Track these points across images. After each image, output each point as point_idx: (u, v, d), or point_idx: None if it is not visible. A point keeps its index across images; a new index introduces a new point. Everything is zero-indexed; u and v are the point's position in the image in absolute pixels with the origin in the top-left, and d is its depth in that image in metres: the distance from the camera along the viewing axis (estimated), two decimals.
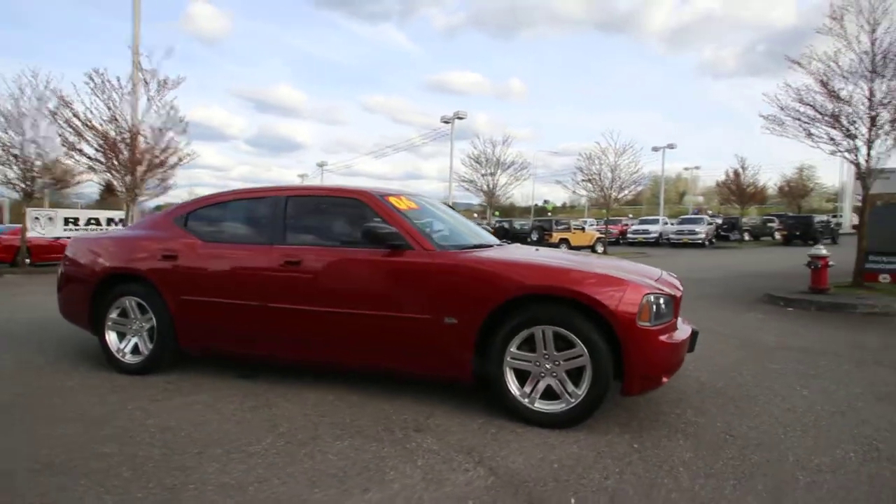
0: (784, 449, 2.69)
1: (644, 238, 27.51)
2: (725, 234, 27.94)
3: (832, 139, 8.77)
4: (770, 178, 37.73)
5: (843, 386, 3.79)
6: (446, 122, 27.26)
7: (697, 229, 25.56)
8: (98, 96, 11.55)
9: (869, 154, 8.40)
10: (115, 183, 12.40)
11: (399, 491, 2.20)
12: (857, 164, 8.64)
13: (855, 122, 8.55)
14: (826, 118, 8.70)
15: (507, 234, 20.63)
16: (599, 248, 21.22)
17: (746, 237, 29.07)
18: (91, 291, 3.91)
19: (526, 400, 2.92)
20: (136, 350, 3.84)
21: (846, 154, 8.73)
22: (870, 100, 8.22)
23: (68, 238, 15.71)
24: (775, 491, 2.27)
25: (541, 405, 2.91)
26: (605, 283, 2.84)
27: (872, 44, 8.19)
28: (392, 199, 3.49)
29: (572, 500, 2.16)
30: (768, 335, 5.53)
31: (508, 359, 2.94)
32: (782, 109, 9.07)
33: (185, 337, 3.67)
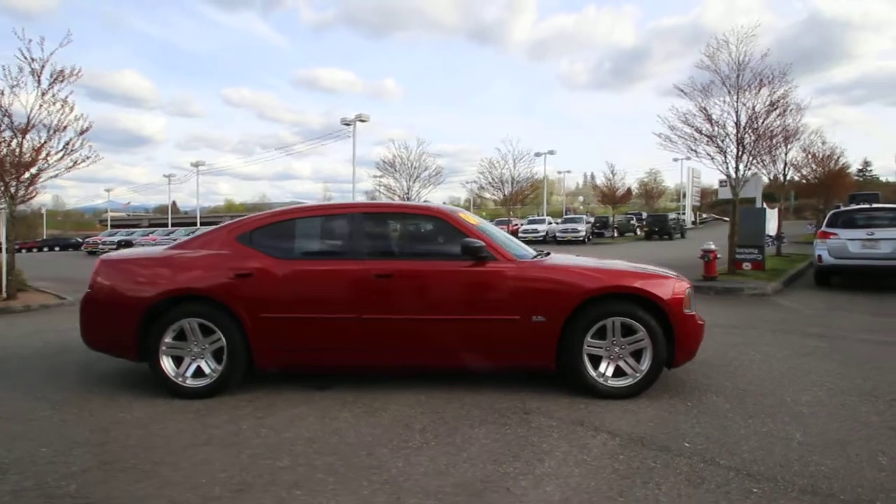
0: (780, 395, 3.73)
1: (533, 236, 30.02)
2: (600, 231, 31.76)
3: (709, 155, 10.89)
4: (627, 181, 43.39)
5: (777, 350, 5.09)
6: (347, 125, 27.10)
7: (579, 228, 28.72)
8: None
9: (737, 167, 10.59)
10: None
11: (564, 457, 2.75)
12: (728, 175, 10.82)
13: (724, 140, 10.72)
14: (704, 137, 10.77)
15: None
16: None
17: (615, 234, 33.29)
18: (140, 316, 3.75)
19: (601, 379, 3.62)
20: (198, 373, 3.79)
21: (720, 167, 10.90)
22: (737, 125, 10.38)
23: None
24: (797, 420, 3.24)
25: (612, 382, 3.63)
26: (660, 281, 3.65)
27: (738, 77, 10.36)
28: (462, 216, 3.96)
29: (686, 444, 2.90)
30: None
31: (586, 347, 3.61)
32: (672, 129, 11.01)
33: (262, 354, 3.74)
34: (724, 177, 11.41)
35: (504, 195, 22.51)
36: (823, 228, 9.16)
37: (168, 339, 3.77)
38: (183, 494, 2.40)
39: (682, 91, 10.82)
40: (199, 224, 39.94)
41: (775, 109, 10.28)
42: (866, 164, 53.45)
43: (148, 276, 3.85)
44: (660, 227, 30.22)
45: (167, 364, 3.77)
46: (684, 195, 44.90)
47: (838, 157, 19.42)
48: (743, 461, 2.69)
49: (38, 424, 3.33)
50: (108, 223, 61.52)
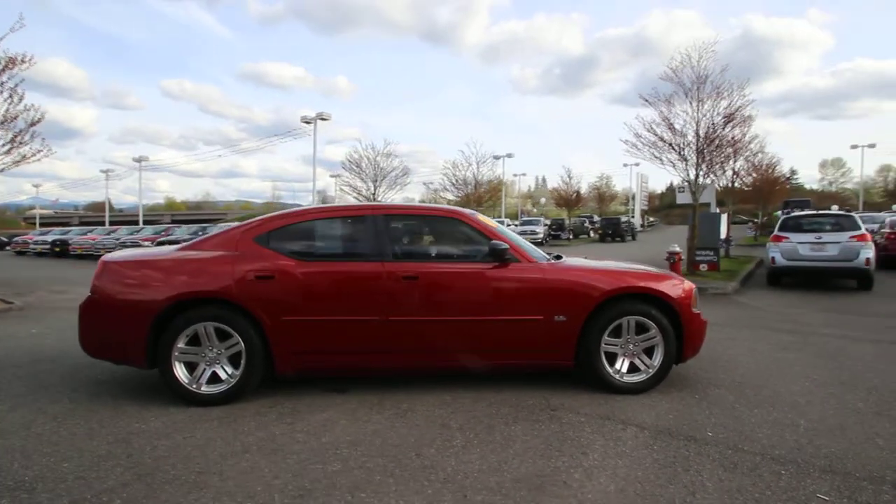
0: (773, 386, 4.05)
1: None
2: (556, 233, 32.68)
3: (672, 162, 11.51)
4: (580, 185, 44.97)
5: (756, 345, 5.49)
6: (308, 123, 26.44)
7: (537, 230, 29.48)
8: None
9: (697, 175, 11.26)
10: None
11: (603, 450, 2.89)
12: (689, 181, 11.48)
13: (685, 149, 11.37)
14: (667, 145, 11.38)
15: None
16: None
17: (571, 236, 34.38)
18: (151, 320, 3.59)
19: (617, 375, 3.80)
20: (213, 379, 3.66)
21: (681, 174, 11.55)
22: (697, 136, 11.03)
23: None
24: (795, 408, 3.53)
25: (627, 378, 3.82)
26: (672, 282, 3.88)
27: (698, 89, 11.01)
28: (481, 218, 4.04)
29: (709, 433, 3.11)
30: None
31: (603, 345, 3.78)
32: (638, 137, 11.56)
33: (283, 359, 3.66)
34: (680, 182, 12.12)
35: (467, 195, 22.83)
36: (776, 232, 9.90)
37: (181, 345, 3.62)
38: (243, 503, 2.35)
39: (646, 100, 11.39)
40: (141, 223, 37.73)
41: (731, 121, 11.00)
42: (793, 172, 57.88)
43: (159, 278, 3.68)
44: (613, 230, 31.53)
45: (180, 371, 3.62)
46: (633, 199, 47.05)
47: (775, 166, 21.01)
48: (763, 447, 2.93)
49: (47, 438, 3.12)
50: (37, 221, 57.10)
